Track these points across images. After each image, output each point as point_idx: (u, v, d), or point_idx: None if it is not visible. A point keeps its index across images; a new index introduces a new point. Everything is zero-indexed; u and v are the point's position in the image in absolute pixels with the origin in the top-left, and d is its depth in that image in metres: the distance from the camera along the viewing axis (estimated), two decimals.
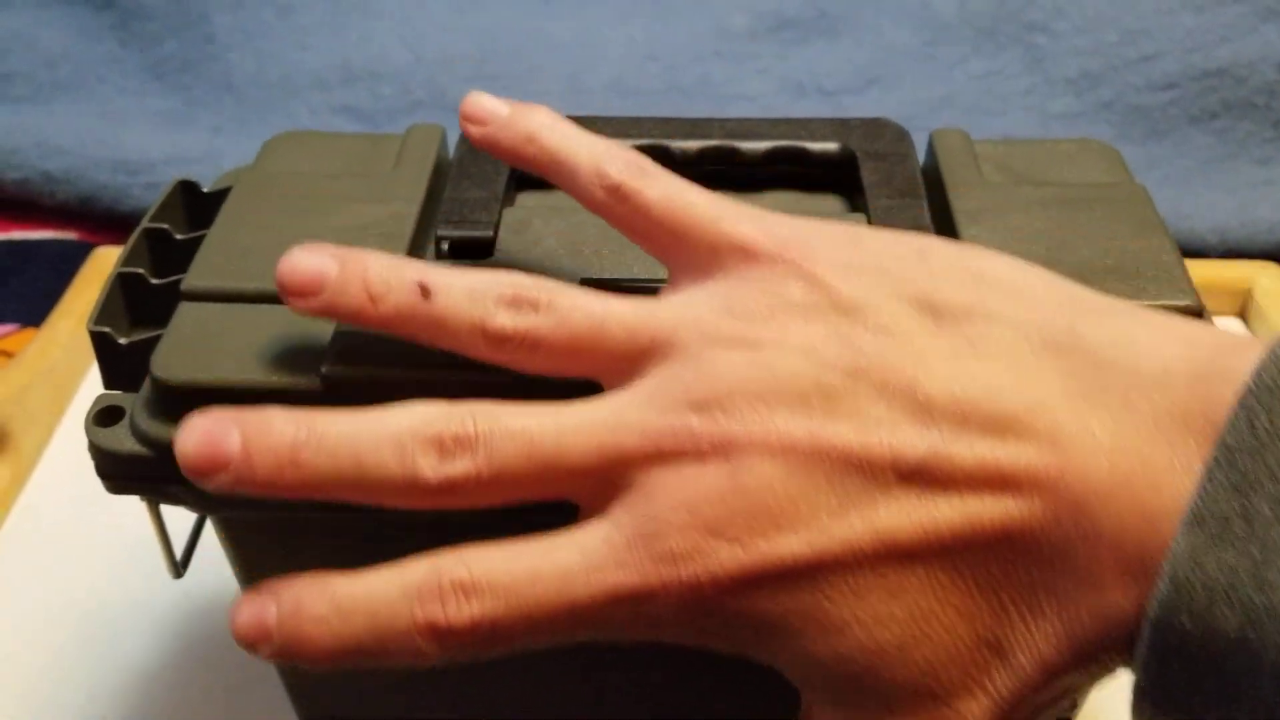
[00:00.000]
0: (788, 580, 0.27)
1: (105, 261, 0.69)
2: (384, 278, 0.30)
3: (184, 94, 0.90)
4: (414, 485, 0.28)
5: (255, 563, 0.37)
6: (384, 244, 0.37)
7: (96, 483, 0.53)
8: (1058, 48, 0.90)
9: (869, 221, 0.37)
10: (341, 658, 0.28)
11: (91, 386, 0.61)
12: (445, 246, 0.37)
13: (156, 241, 0.39)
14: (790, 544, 0.27)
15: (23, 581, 0.53)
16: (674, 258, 0.32)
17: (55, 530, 0.55)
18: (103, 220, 0.81)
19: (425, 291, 0.30)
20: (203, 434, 0.28)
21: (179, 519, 0.39)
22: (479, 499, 0.29)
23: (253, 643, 0.29)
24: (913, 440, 0.27)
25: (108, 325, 0.36)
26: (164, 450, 0.33)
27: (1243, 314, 0.67)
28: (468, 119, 0.34)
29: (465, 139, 0.41)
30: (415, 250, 0.37)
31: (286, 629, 0.28)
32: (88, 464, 0.35)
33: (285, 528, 0.36)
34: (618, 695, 0.41)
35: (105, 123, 0.86)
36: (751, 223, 0.31)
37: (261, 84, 0.90)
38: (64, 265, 0.76)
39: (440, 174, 0.41)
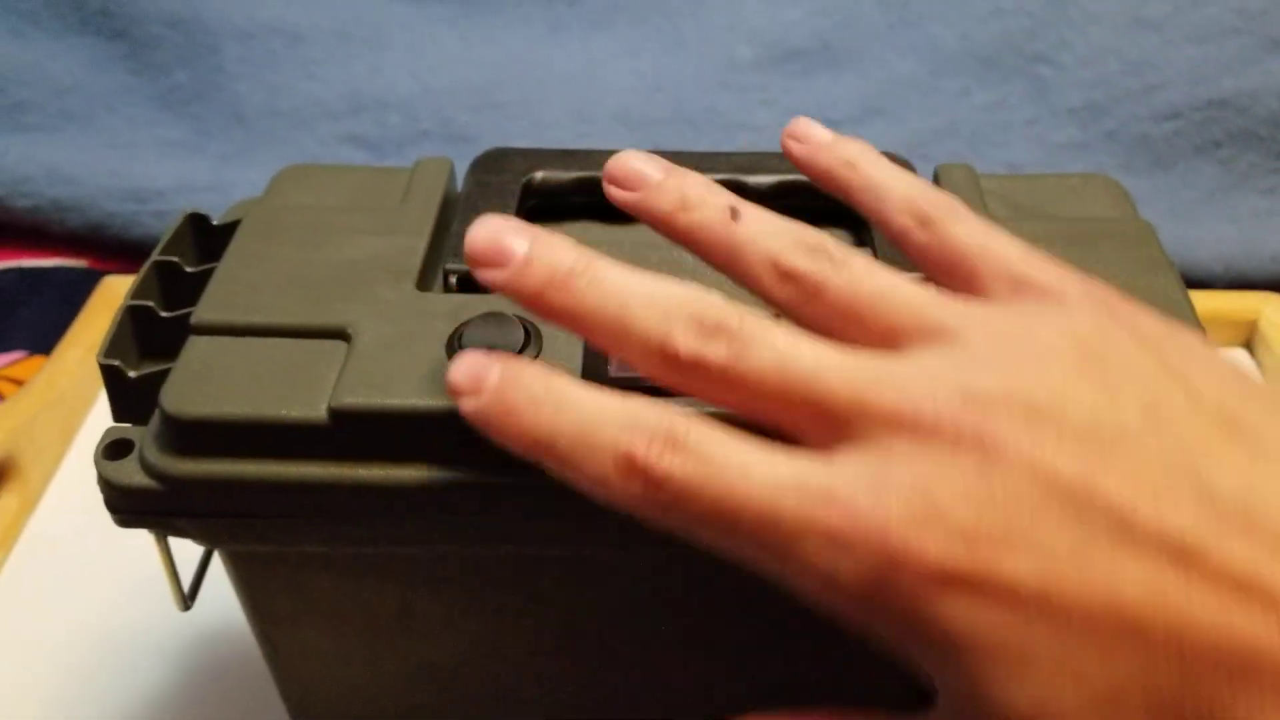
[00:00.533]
0: (999, 601, 0.25)
1: (114, 290, 0.69)
2: (700, 192, 0.32)
3: (193, 123, 0.91)
4: (664, 351, 0.28)
5: (262, 596, 0.37)
6: (392, 277, 0.37)
7: (104, 513, 0.53)
8: (1062, 79, 0.90)
9: (873, 254, 0.38)
10: (531, 445, 0.29)
11: (99, 416, 0.61)
12: (453, 280, 0.37)
13: (166, 274, 0.39)
14: (1020, 566, 0.25)
15: (30, 611, 0.53)
16: (973, 287, 0.31)
17: (62, 560, 0.54)
18: (112, 248, 0.81)
19: (734, 214, 0.32)
20: (495, 230, 0.30)
21: (186, 551, 0.39)
22: (714, 393, 0.28)
23: (463, 390, 0.29)
24: (1186, 521, 0.25)
25: (117, 358, 0.36)
26: (173, 484, 0.33)
27: (1248, 344, 0.67)
28: (793, 137, 0.36)
29: (474, 173, 0.41)
30: (423, 284, 0.37)
31: (500, 391, 0.29)
32: (95, 494, 0.35)
33: (292, 561, 0.36)
34: (619, 698, 0.40)
35: (115, 152, 0.87)
36: (1059, 269, 0.31)
37: (270, 114, 0.90)
38: (73, 293, 0.76)
39: (448, 207, 0.41)
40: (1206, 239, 0.78)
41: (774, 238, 0.31)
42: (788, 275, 0.30)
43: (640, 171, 0.33)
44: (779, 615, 0.37)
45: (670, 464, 0.27)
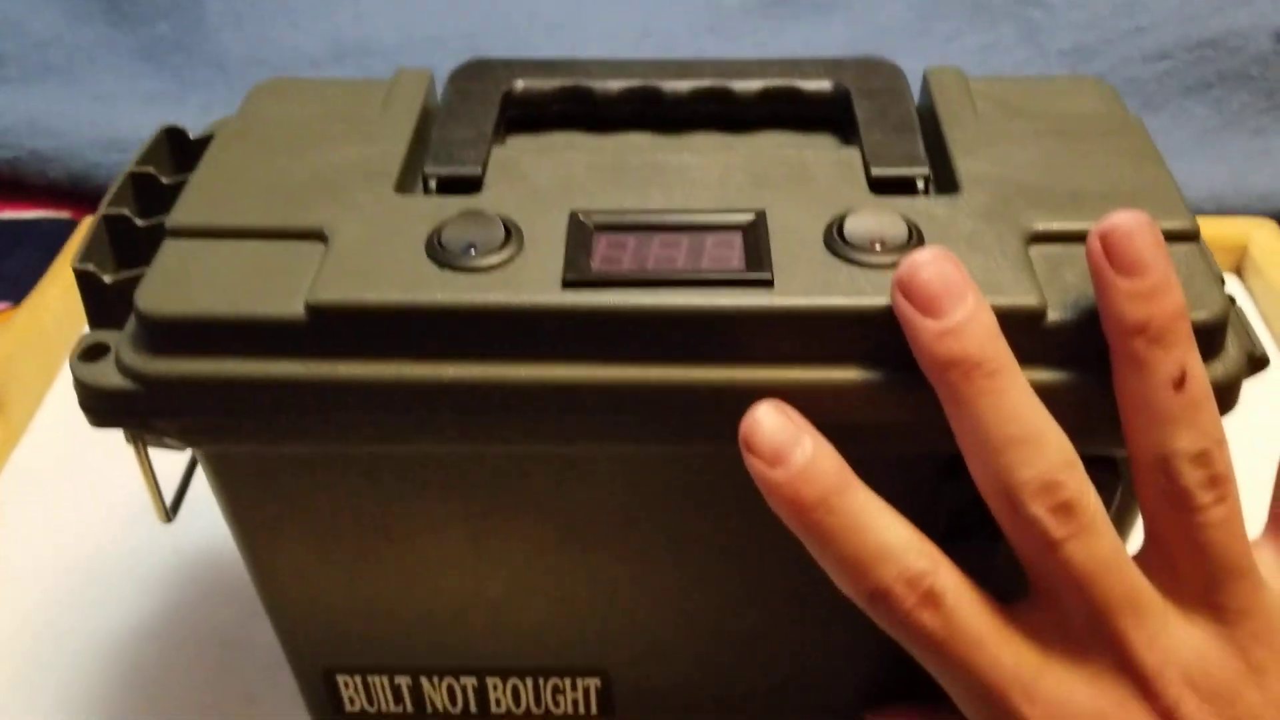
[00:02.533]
0: None
1: None
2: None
3: (175, 74, 0.90)
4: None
5: (244, 502, 0.37)
6: (370, 181, 0.36)
7: (87, 445, 0.52)
8: (1052, 21, 0.89)
9: (863, 156, 0.37)
10: (800, 531, 0.32)
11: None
12: (433, 184, 0.37)
13: (142, 185, 0.39)
14: None
15: (16, 541, 0.52)
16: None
17: (47, 491, 0.54)
18: (94, 199, 0.80)
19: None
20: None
21: (170, 469, 0.39)
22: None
23: (761, 455, 0.31)
24: None
25: (92, 264, 0.35)
26: (149, 384, 0.33)
27: (1238, 270, 0.67)
28: None
29: (454, 83, 0.41)
30: (403, 188, 0.37)
31: (799, 480, 0.31)
32: (79, 428, 0.35)
33: (273, 464, 0.36)
34: (602, 602, 0.40)
35: (96, 103, 0.86)
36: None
37: (253, 63, 0.89)
38: (56, 244, 0.75)
39: (428, 117, 0.40)
40: (1197, 179, 0.78)
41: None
42: None
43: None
44: (761, 518, 0.37)
45: (921, 618, 0.31)
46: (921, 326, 0.30)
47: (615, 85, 0.41)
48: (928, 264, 0.30)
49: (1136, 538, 0.49)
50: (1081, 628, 0.32)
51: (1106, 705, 0.32)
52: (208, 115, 0.86)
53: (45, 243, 0.78)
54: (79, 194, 0.81)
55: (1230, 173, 0.79)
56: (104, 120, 0.83)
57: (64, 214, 0.81)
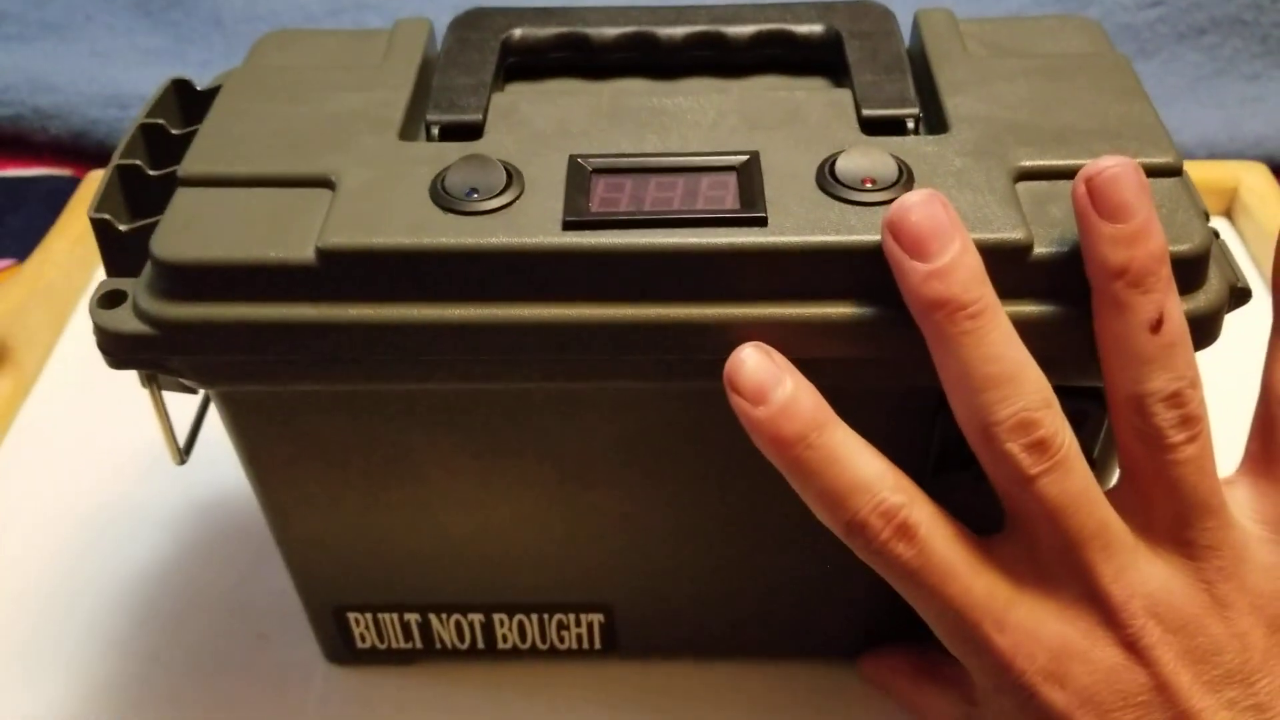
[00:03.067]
0: None
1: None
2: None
3: (173, 30, 0.90)
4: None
5: (258, 441, 0.38)
6: (374, 128, 0.37)
7: (96, 396, 0.54)
8: None
9: (854, 98, 0.38)
10: (782, 465, 0.33)
11: (87, 304, 0.61)
12: (435, 131, 0.38)
13: (152, 136, 0.39)
14: None
15: (27, 490, 0.54)
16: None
17: (57, 440, 0.55)
18: (95, 156, 0.81)
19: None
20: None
21: (181, 413, 0.40)
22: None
23: (744, 394, 0.33)
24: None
25: (108, 213, 0.36)
26: (166, 328, 0.34)
27: (1228, 213, 0.67)
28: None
29: (453, 31, 0.42)
30: (406, 135, 0.37)
31: (779, 418, 0.32)
32: (87, 380, 0.36)
33: (286, 403, 0.37)
34: (609, 535, 0.41)
35: (95, 60, 0.86)
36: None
37: (249, 18, 0.89)
38: (58, 201, 0.76)
39: (428, 66, 0.41)
40: (1190, 125, 0.79)
41: None
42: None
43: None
44: (756, 453, 0.38)
45: (896, 548, 0.33)
46: (909, 268, 0.31)
47: (611, 32, 0.42)
48: (917, 206, 0.31)
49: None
50: (1052, 560, 0.33)
51: (1074, 634, 0.33)
52: (206, 71, 0.87)
53: (48, 200, 0.78)
54: (80, 151, 0.82)
55: (1223, 118, 0.80)
56: (103, 77, 0.83)
57: (66, 171, 0.82)
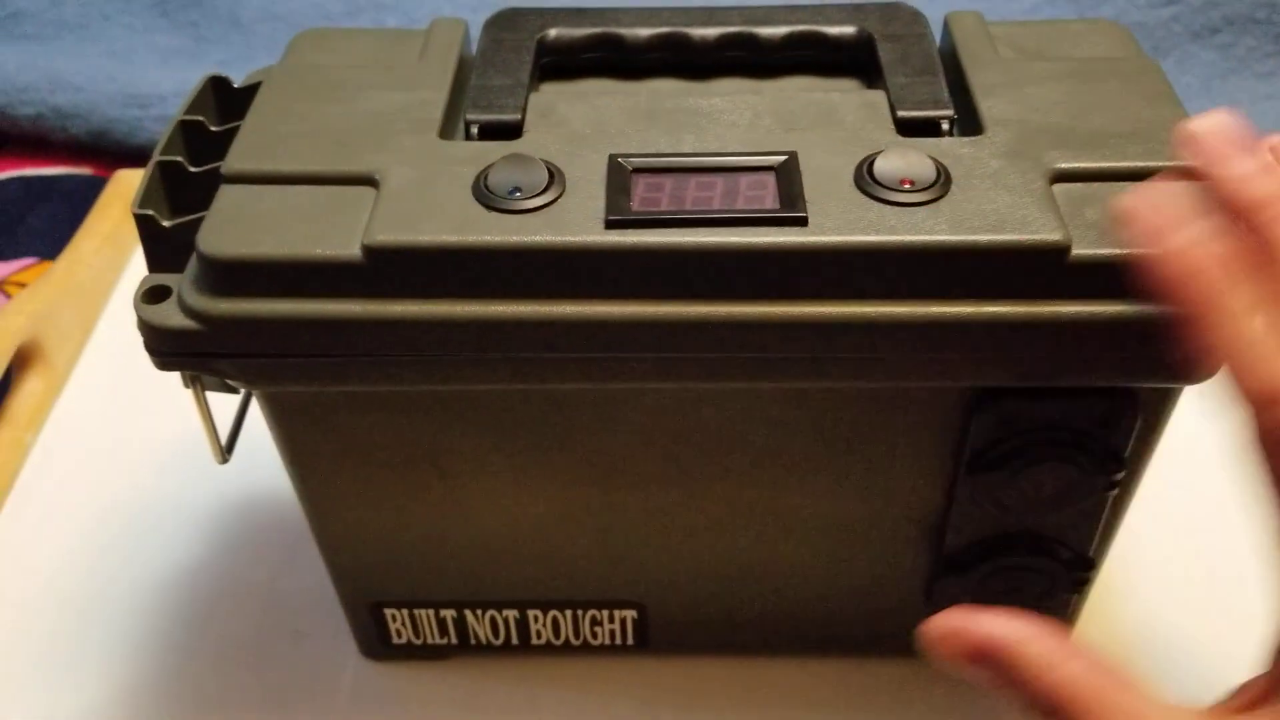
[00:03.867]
0: None
1: (127, 183, 0.70)
2: None
3: (191, 30, 0.90)
4: None
5: (300, 440, 0.39)
6: (415, 127, 0.37)
7: (128, 395, 0.54)
8: None
9: (888, 99, 0.38)
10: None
11: (118, 303, 0.62)
12: (474, 130, 0.38)
13: (192, 133, 0.40)
14: None
15: (60, 488, 0.54)
16: None
17: (89, 438, 0.56)
18: (116, 155, 0.81)
19: None
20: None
21: (218, 414, 0.40)
22: None
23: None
24: None
25: (151, 209, 0.37)
26: (212, 324, 0.34)
27: None
28: None
29: (488, 32, 0.42)
30: (445, 134, 0.38)
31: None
32: (119, 378, 0.36)
33: (329, 403, 0.37)
34: (645, 534, 0.42)
35: (113, 60, 0.86)
36: None
37: (268, 18, 0.90)
38: (79, 200, 0.77)
39: (464, 65, 0.42)
40: None
41: None
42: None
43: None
44: (794, 452, 0.39)
45: None
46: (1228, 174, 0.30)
47: (644, 32, 0.42)
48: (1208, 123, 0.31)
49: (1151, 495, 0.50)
50: None
51: None
52: (224, 70, 0.86)
53: (69, 199, 0.79)
54: (99, 150, 0.82)
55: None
56: (122, 76, 0.83)
57: (85, 170, 0.82)
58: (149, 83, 0.83)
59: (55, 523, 0.52)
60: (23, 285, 0.69)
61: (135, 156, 0.80)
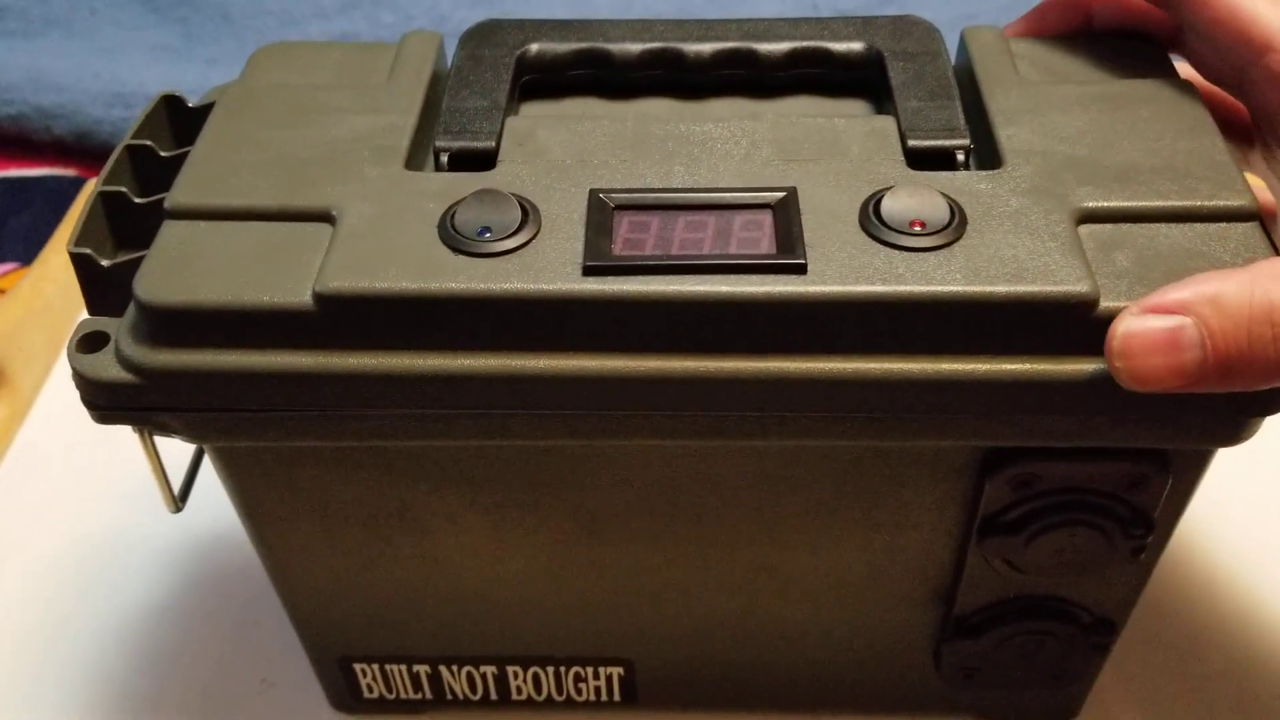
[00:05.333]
0: None
1: None
2: None
3: (180, 26, 0.87)
4: None
5: (255, 496, 0.36)
6: (379, 156, 0.34)
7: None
8: None
9: (898, 126, 0.35)
10: None
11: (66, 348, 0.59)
12: (444, 159, 0.35)
13: (140, 159, 0.37)
14: None
15: (22, 519, 0.51)
16: None
17: (55, 467, 0.53)
18: (100, 155, 0.79)
19: None
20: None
21: (179, 453, 0.37)
22: None
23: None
24: None
25: (90, 247, 0.34)
26: (151, 377, 0.31)
27: None
28: None
29: (465, 46, 0.39)
30: (413, 163, 0.35)
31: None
32: None
33: (284, 458, 0.34)
34: (620, 590, 0.39)
35: (100, 57, 0.84)
36: None
37: (259, 13, 0.87)
38: (63, 202, 0.74)
39: (438, 84, 0.38)
40: None
41: None
42: None
43: None
44: (786, 508, 0.35)
45: None
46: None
47: (634, 48, 0.39)
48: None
49: (1186, 542, 0.47)
50: None
51: None
52: (214, 68, 0.84)
53: (52, 201, 0.76)
54: (84, 150, 0.79)
55: None
56: (108, 74, 0.81)
57: (70, 171, 0.79)
58: (135, 81, 0.80)
59: (13, 558, 0.50)
60: (1, 292, 0.66)
61: None
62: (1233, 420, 0.31)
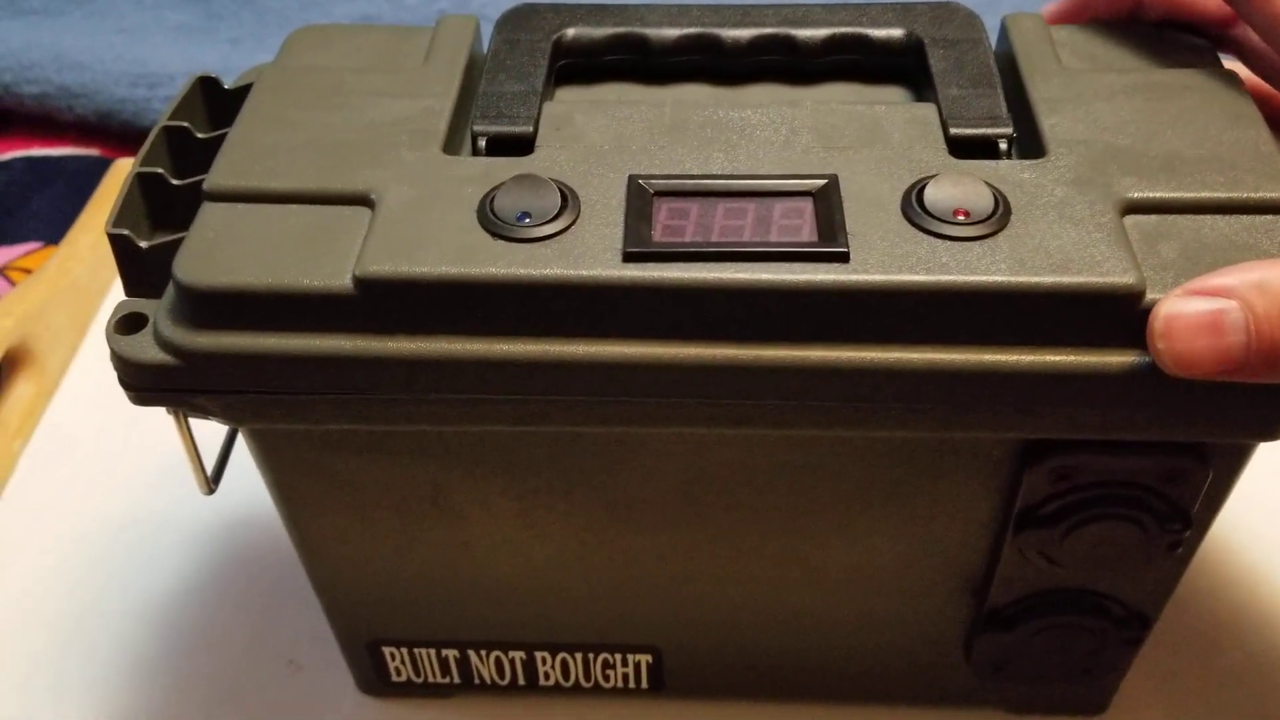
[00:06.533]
0: None
1: (126, 173, 0.67)
2: None
3: (202, 6, 0.87)
4: None
5: (289, 479, 0.36)
6: (417, 140, 0.34)
7: (123, 399, 0.51)
8: None
9: (939, 114, 0.35)
10: None
11: (114, 302, 0.59)
12: (482, 143, 0.35)
13: (177, 140, 0.37)
14: None
15: (49, 502, 0.51)
16: None
17: (82, 447, 0.53)
18: (123, 135, 0.79)
19: None
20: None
21: (209, 435, 0.37)
22: None
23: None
24: None
25: (127, 228, 0.34)
26: (190, 359, 0.31)
27: None
28: None
29: (501, 31, 0.39)
30: (450, 147, 0.34)
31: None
32: (114, 382, 0.33)
33: (319, 441, 0.34)
34: (654, 576, 0.39)
35: (122, 37, 0.84)
36: None
37: None
38: (85, 182, 0.74)
39: (474, 68, 0.38)
40: None
41: None
42: None
43: None
44: (816, 496, 0.35)
45: None
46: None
47: (671, 33, 0.38)
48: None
49: (1218, 537, 0.47)
50: None
51: None
52: (236, 49, 0.84)
53: (75, 181, 0.76)
54: (107, 130, 0.79)
55: None
56: (130, 54, 0.81)
57: (93, 151, 0.79)
58: (157, 61, 0.80)
59: (41, 539, 0.50)
60: (27, 271, 0.66)
61: (143, 138, 0.77)
62: (1273, 414, 0.31)
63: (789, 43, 0.38)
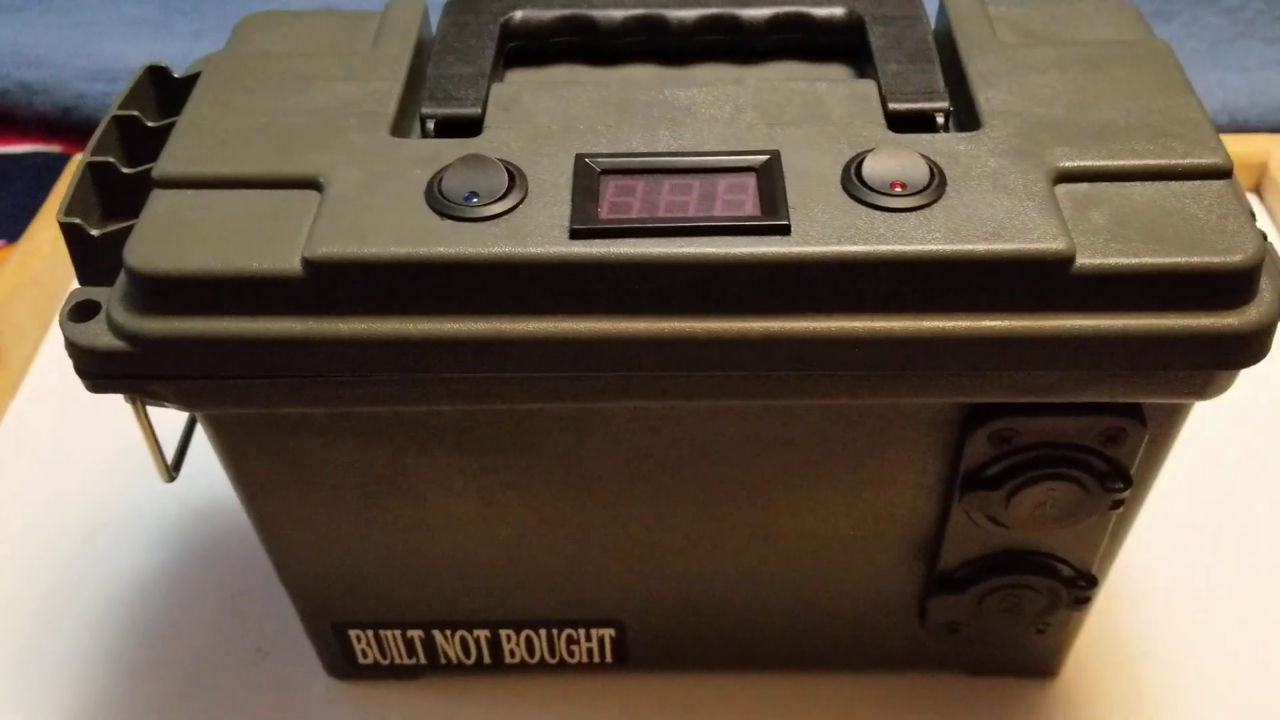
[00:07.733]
0: None
1: None
2: None
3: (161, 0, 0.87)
4: None
5: (247, 463, 0.36)
6: (365, 123, 0.35)
7: (87, 395, 0.51)
8: None
9: (879, 89, 0.35)
10: None
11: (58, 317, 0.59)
12: (430, 125, 0.35)
13: (127, 129, 0.37)
14: None
15: (15, 491, 0.52)
16: None
17: (47, 440, 0.53)
18: (84, 131, 0.78)
19: None
20: None
21: (171, 423, 0.38)
22: None
23: None
24: None
25: (79, 217, 0.34)
26: (143, 345, 0.32)
27: (1258, 189, 0.65)
28: None
29: (449, 14, 0.39)
30: (399, 130, 0.35)
31: None
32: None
33: (276, 425, 0.35)
34: (612, 552, 0.40)
35: (79, 31, 0.83)
36: None
37: None
38: (48, 179, 0.74)
39: (423, 51, 0.39)
40: (1212, 89, 0.76)
41: None
42: None
43: None
44: (773, 466, 0.36)
45: None
46: None
47: (618, 15, 0.39)
48: None
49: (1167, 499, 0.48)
50: None
51: None
52: (197, 42, 0.83)
53: (37, 177, 0.76)
54: (68, 126, 0.79)
55: (1246, 82, 0.77)
56: (89, 49, 0.80)
57: (54, 148, 0.79)
58: (116, 56, 0.80)
59: (6, 530, 0.50)
60: None
61: None
62: (1207, 374, 0.32)
63: (734, 23, 0.39)
